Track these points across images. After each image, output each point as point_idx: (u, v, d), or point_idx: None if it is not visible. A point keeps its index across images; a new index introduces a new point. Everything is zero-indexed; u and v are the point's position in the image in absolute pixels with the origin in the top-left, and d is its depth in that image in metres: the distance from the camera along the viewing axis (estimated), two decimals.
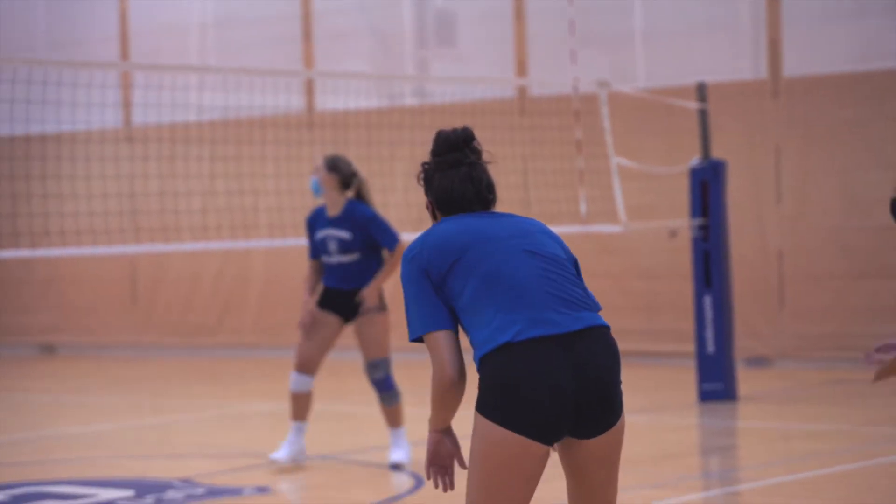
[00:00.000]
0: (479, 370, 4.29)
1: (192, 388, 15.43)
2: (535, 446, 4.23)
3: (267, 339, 18.32)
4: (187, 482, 9.09)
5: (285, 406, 13.40)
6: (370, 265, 9.45)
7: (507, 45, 17.16)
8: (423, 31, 18.44)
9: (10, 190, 13.72)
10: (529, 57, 16.99)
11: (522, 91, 16.82)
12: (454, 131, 4.57)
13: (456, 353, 4.34)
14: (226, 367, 17.41)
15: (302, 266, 17.66)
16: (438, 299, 4.40)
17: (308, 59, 18.27)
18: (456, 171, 4.53)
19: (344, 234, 9.41)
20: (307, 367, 9.45)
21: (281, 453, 9.44)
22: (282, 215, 15.28)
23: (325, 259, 9.53)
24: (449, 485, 4.41)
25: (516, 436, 4.21)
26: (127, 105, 18.82)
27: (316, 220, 9.59)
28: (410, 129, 16.21)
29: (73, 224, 14.40)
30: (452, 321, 4.40)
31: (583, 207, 13.07)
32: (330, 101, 16.54)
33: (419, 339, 4.40)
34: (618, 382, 4.37)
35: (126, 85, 18.86)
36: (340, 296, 9.48)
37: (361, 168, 15.45)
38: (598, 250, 16.24)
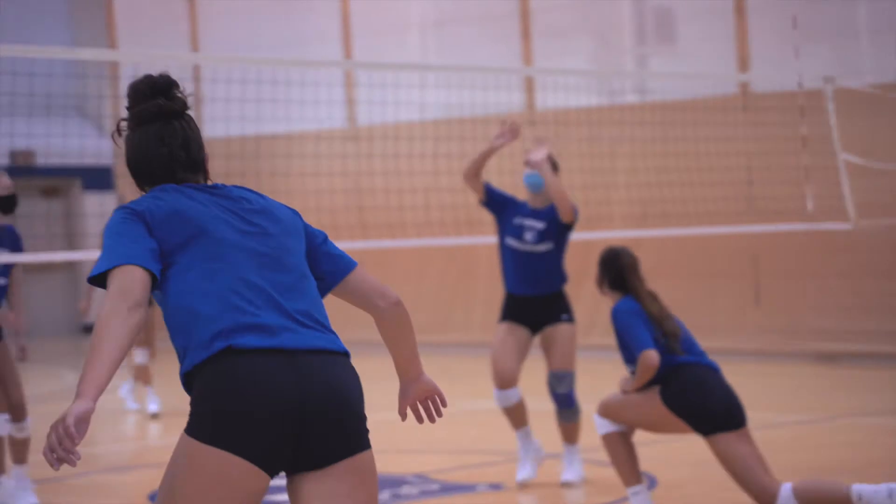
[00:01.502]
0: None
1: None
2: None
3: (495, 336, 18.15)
4: (422, 478, 9.04)
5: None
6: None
7: (728, 41, 16.76)
8: (641, 28, 18.16)
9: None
10: (751, 52, 16.58)
11: (744, 87, 16.42)
12: (148, 77, 3.81)
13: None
14: (454, 364, 17.32)
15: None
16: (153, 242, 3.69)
17: (527, 57, 18.12)
18: (152, 126, 3.82)
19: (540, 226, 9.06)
20: (507, 382, 8.95)
21: (523, 472, 8.85)
22: None
23: (515, 245, 9.08)
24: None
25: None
26: (351, 104, 18.91)
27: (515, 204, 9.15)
28: (631, 127, 15.97)
29: None
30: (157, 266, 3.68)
31: (809, 205, 12.66)
32: (550, 98, 16.35)
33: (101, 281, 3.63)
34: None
35: (350, 84, 18.96)
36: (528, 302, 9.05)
37: (583, 165, 15.33)
38: (825, 248, 15.74)
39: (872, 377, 14.52)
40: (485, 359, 17.37)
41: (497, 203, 9.18)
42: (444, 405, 4.11)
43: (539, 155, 8.96)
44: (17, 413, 8.10)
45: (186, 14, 21.02)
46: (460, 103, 15.01)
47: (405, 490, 8.65)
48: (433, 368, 16.94)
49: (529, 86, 17.93)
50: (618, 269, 7.59)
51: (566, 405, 8.88)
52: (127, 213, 3.76)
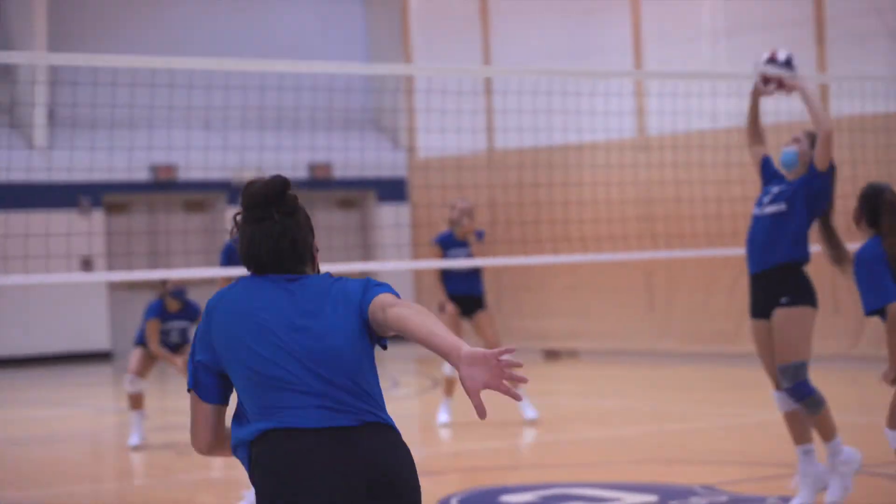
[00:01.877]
0: None
1: (711, 396, 15.22)
2: None
3: None
4: (710, 489, 8.91)
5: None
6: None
7: None
8: None
9: (533, 198, 13.93)
10: None
11: None
12: (263, 184, 4.21)
13: None
14: (746, 374, 17.06)
15: (821, 273, 17.19)
16: None
17: (822, 63, 17.72)
18: (259, 225, 4.21)
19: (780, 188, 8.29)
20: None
21: (796, 501, 8.22)
22: None
23: (754, 213, 8.33)
24: None
25: None
26: (641, 113, 18.82)
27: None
28: None
29: (591, 230, 14.48)
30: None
31: None
32: (846, 105, 15.94)
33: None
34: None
35: (640, 93, 18.87)
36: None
37: (880, 173, 14.87)
38: None
39: None
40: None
41: (763, 178, 8.43)
42: (512, 351, 3.86)
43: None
44: None
45: (479, 28, 21.29)
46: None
47: (693, 501, 8.56)
48: (723, 379, 16.78)
49: (824, 92, 17.51)
50: (875, 206, 7.14)
51: (798, 398, 8.02)
52: None
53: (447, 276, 12.43)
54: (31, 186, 19.76)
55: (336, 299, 4.16)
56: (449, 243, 12.49)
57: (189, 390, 4.20)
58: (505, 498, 8.96)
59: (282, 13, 24.72)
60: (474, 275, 12.48)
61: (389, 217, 21.91)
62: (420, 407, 15.11)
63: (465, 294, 12.48)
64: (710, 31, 19.01)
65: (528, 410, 12.59)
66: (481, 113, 19.21)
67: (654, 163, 16.68)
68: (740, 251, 13.49)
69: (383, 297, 4.11)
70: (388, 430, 4.07)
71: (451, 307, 12.39)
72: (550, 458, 10.83)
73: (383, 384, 4.44)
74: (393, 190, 22.83)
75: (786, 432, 11.58)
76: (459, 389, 12.94)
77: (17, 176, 18.59)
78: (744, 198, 15.50)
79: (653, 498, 8.75)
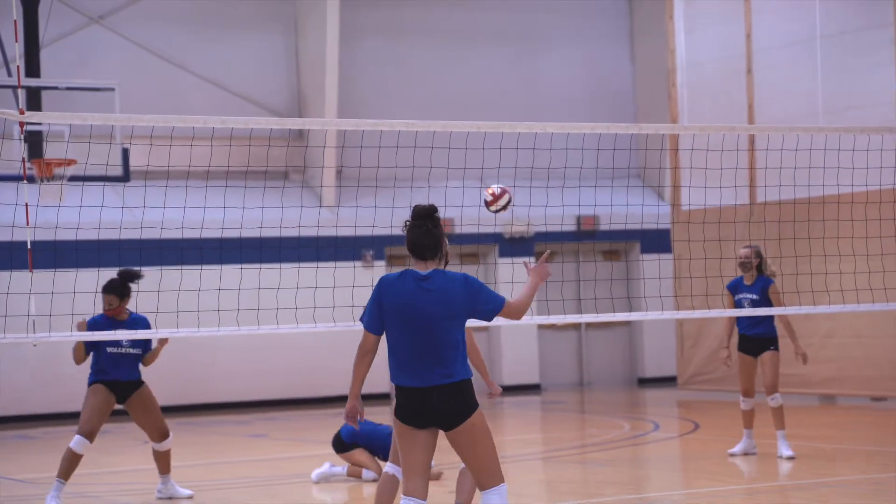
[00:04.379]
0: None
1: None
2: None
3: None
4: None
5: None
6: None
7: None
8: None
9: (792, 250, 14.02)
10: None
11: None
12: (423, 207, 7.15)
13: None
14: None
15: None
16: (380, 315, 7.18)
17: None
18: (419, 230, 7.13)
19: None
20: None
21: None
22: None
23: None
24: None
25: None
26: None
27: None
28: None
29: (850, 282, 14.47)
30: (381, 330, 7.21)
31: None
32: None
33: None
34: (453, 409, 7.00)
35: None
36: None
37: None
38: None
39: None
40: None
41: None
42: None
43: None
44: None
45: (744, 86, 21.38)
46: None
47: None
48: None
49: None
50: None
51: None
52: None
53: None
54: (320, 240, 20.69)
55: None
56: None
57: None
58: None
59: (554, 75, 25.24)
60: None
61: (652, 267, 22.16)
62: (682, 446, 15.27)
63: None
64: None
65: (785, 449, 13.28)
66: (744, 169, 19.31)
67: None
68: None
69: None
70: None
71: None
72: (807, 500, 10.90)
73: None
74: (657, 241, 23.06)
75: None
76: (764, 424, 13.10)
77: (308, 232, 19.49)
78: None
79: None
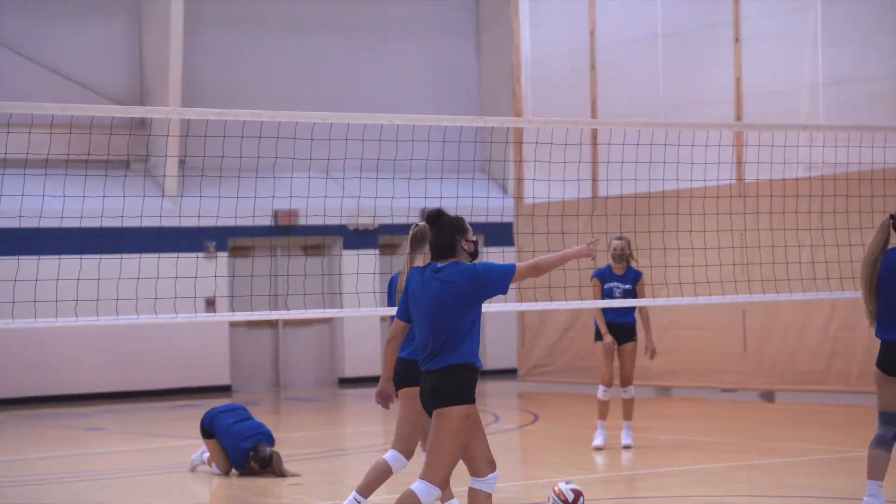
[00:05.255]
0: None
1: (799, 432, 15.39)
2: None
3: (874, 388, 17.98)
4: None
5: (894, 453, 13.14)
6: None
7: None
8: None
9: (633, 244, 14.25)
10: None
11: None
12: (431, 211, 7.61)
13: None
14: (833, 412, 17.23)
15: None
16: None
17: None
18: (431, 233, 7.56)
19: None
20: None
21: None
22: None
23: None
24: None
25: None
26: (739, 163, 19.06)
27: None
28: None
29: (688, 275, 14.77)
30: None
31: None
32: None
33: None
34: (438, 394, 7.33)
35: (739, 144, 19.11)
36: None
37: None
38: None
39: None
40: (863, 408, 17.26)
41: None
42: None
43: None
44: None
45: (587, 82, 21.67)
46: (847, 161, 14.99)
47: None
48: (811, 415, 16.85)
49: None
50: None
51: None
52: None
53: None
54: (162, 231, 20.46)
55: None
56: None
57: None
58: None
59: (400, 68, 25.29)
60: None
61: (496, 259, 22.33)
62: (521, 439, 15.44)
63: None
64: (809, 84, 19.21)
65: (627, 438, 13.55)
66: (587, 163, 19.57)
67: (750, 210, 16.93)
68: (833, 295, 13.77)
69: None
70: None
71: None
72: (644, 490, 11.10)
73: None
74: (500, 234, 23.25)
75: (862, 468, 11.77)
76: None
77: (150, 222, 19.27)
78: (837, 244, 15.72)
79: None
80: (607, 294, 13.58)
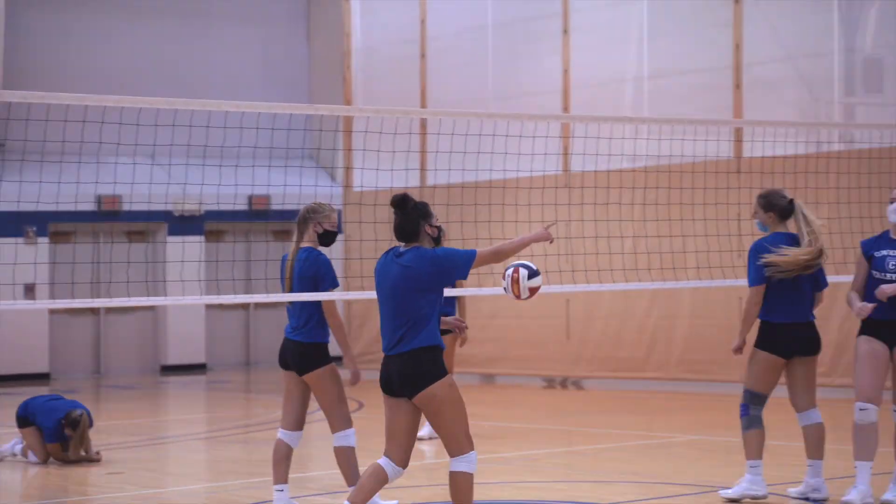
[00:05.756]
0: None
1: (619, 419, 15.71)
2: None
3: (692, 375, 18.47)
4: None
5: (707, 438, 13.53)
6: None
7: None
8: (850, 79, 18.17)
9: (458, 233, 14.39)
10: None
11: None
12: (396, 196, 7.56)
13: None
14: (652, 399, 17.63)
15: (728, 306, 17.81)
16: None
17: (737, 108, 18.31)
18: (395, 217, 7.57)
19: None
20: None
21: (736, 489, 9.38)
22: (709, 257, 15.39)
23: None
24: None
25: None
26: (566, 154, 19.35)
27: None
28: (836, 175, 16.02)
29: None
30: None
31: None
32: (758, 148, 16.52)
33: None
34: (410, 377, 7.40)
35: (566, 135, 19.40)
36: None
37: None
38: None
39: None
40: (681, 395, 17.70)
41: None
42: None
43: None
44: None
45: (417, 70, 21.76)
46: (670, 153, 15.31)
47: None
48: (631, 402, 17.24)
49: (739, 136, 18.11)
50: None
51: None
52: None
53: None
54: None
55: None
56: None
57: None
58: None
59: (228, 53, 25.10)
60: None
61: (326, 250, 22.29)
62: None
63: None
64: (634, 76, 19.57)
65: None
66: (415, 152, 19.68)
67: (576, 201, 17.20)
68: (654, 285, 14.07)
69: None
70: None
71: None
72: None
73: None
74: None
75: (685, 455, 12.08)
76: None
77: None
78: (658, 235, 16.07)
79: None
80: None
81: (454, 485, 7.45)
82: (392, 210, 7.60)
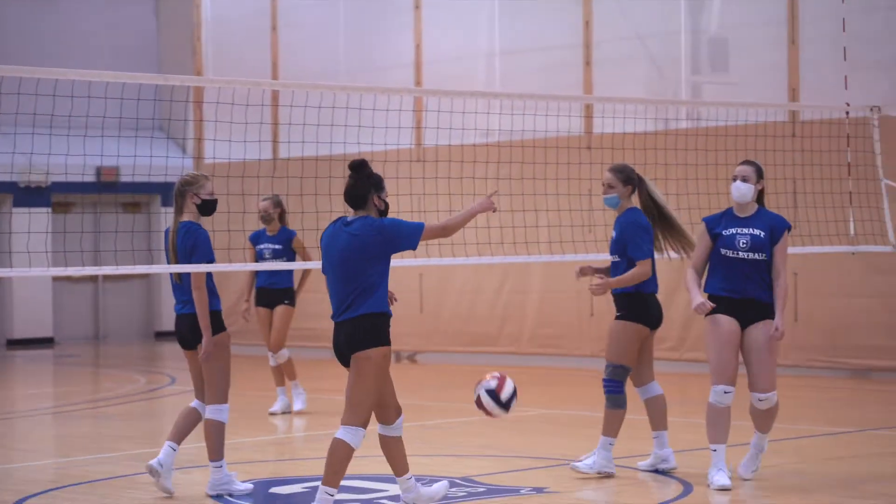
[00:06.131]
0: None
1: (471, 393, 15.68)
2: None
3: (543, 349, 18.55)
4: (469, 480, 9.28)
5: (559, 412, 13.60)
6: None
7: (780, 72, 16.96)
8: (697, 58, 18.37)
9: (313, 206, 14.24)
10: (801, 82, 16.76)
11: (794, 115, 16.60)
12: (353, 162, 7.77)
13: None
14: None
15: (580, 281, 17.87)
16: None
17: (588, 85, 18.39)
18: (348, 181, 7.75)
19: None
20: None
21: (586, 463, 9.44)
22: (561, 232, 15.43)
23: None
24: None
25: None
26: (419, 128, 19.26)
27: None
28: (684, 152, 16.17)
29: None
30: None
31: (851, 228, 12.86)
32: (608, 124, 16.61)
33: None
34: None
35: (419, 109, 19.31)
36: None
37: None
38: (866, 270, 16.00)
39: None
40: (533, 369, 17.78)
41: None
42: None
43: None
44: None
45: (269, 43, 21.48)
46: (522, 128, 15.30)
47: (452, 491, 8.90)
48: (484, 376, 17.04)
49: (589, 112, 18.20)
50: None
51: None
52: None
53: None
54: None
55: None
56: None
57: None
58: (275, 489, 9.21)
59: (76, 21, 24.54)
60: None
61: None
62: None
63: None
64: (486, 52, 19.55)
65: (298, 402, 13.45)
66: (267, 124, 19.44)
67: (429, 175, 17.14)
68: (506, 259, 14.07)
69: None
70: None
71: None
72: (318, 452, 11.12)
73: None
74: None
75: (538, 429, 12.12)
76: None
77: None
78: (510, 210, 16.07)
79: None
80: (259, 257, 13.45)
81: (331, 449, 7.70)
82: (351, 174, 7.73)
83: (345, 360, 7.74)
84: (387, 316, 7.66)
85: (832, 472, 9.37)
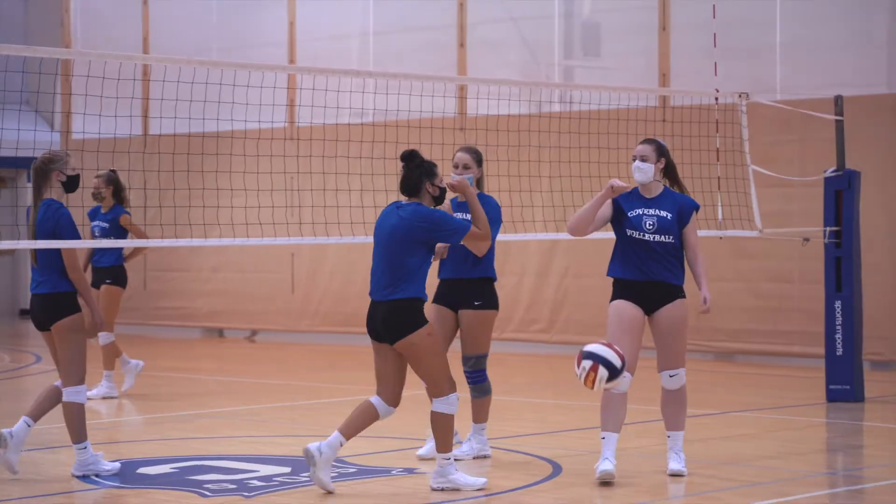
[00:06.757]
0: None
1: (343, 374, 15.60)
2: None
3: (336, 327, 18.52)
4: (339, 461, 9.18)
5: (416, 392, 13.51)
6: None
7: (651, 57, 17.05)
8: (569, 43, 18.42)
9: (185, 183, 13.99)
10: (672, 68, 16.88)
11: (664, 100, 16.71)
12: (405, 152, 8.10)
13: None
14: (370, 354, 17.55)
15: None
16: None
17: (461, 67, 18.34)
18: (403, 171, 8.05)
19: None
20: None
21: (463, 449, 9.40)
22: None
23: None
24: None
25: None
26: (292, 106, 19.05)
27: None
28: (557, 134, 16.19)
29: (240, 216, 14.63)
30: None
31: (720, 213, 12.97)
32: (481, 106, 16.56)
33: None
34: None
35: (292, 87, 19.09)
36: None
37: (510, 170, 15.54)
38: (733, 254, 16.16)
39: (767, 374, 14.97)
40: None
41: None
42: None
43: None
44: None
45: (140, 17, 21.10)
46: (395, 108, 15.18)
47: None
48: (353, 360, 17.17)
49: (462, 94, 18.15)
50: None
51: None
52: None
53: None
54: None
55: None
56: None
57: None
58: (143, 470, 9.03)
59: None
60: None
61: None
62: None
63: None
64: (360, 31, 19.39)
65: (129, 383, 13.28)
66: (138, 99, 19.08)
67: (302, 154, 16.97)
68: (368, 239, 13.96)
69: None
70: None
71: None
72: (190, 432, 10.94)
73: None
74: None
75: (409, 409, 12.00)
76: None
77: None
78: (384, 190, 15.95)
79: (286, 469, 8.99)
80: (93, 234, 13.12)
81: (433, 423, 8.03)
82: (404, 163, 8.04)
83: (378, 337, 8.04)
84: (422, 301, 7.96)
85: (694, 455, 9.41)
